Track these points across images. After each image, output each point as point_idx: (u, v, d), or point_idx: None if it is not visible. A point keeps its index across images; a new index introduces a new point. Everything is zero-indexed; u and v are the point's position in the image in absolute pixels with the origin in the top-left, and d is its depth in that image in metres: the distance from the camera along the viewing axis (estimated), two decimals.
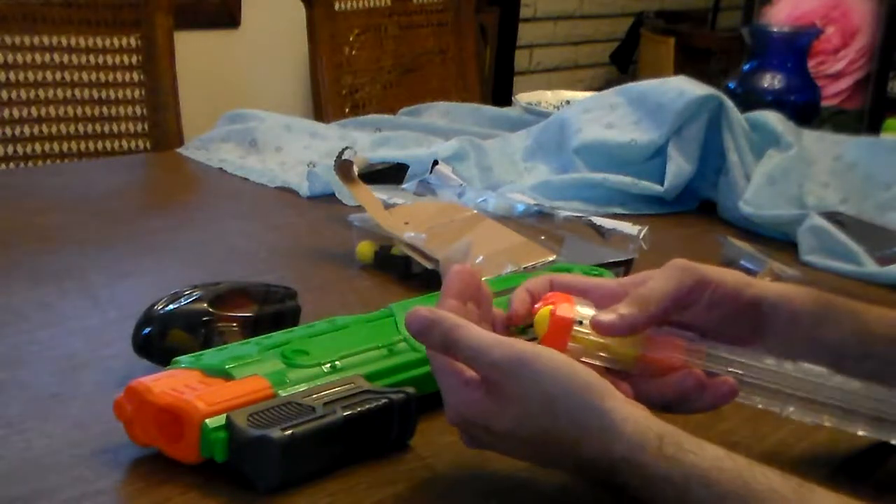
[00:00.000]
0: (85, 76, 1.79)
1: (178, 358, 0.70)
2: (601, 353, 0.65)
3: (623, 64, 4.12)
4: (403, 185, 1.26)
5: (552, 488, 0.66)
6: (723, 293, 0.68)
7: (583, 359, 0.64)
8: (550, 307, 0.66)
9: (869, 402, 0.63)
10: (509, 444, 0.62)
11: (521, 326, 0.68)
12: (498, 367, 0.60)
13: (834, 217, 1.18)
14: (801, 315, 0.68)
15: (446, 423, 0.68)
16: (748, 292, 0.69)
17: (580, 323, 0.65)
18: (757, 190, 1.24)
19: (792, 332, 0.68)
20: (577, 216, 1.21)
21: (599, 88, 1.81)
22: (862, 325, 0.69)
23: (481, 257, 0.97)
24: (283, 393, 0.66)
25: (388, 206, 1.09)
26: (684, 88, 1.31)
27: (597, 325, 0.65)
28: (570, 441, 0.59)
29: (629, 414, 0.58)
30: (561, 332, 0.65)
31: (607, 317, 0.65)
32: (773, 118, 1.32)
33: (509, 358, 0.60)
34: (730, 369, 0.65)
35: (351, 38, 2.16)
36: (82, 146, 1.80)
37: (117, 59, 1.80)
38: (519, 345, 0.60)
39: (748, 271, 1.06)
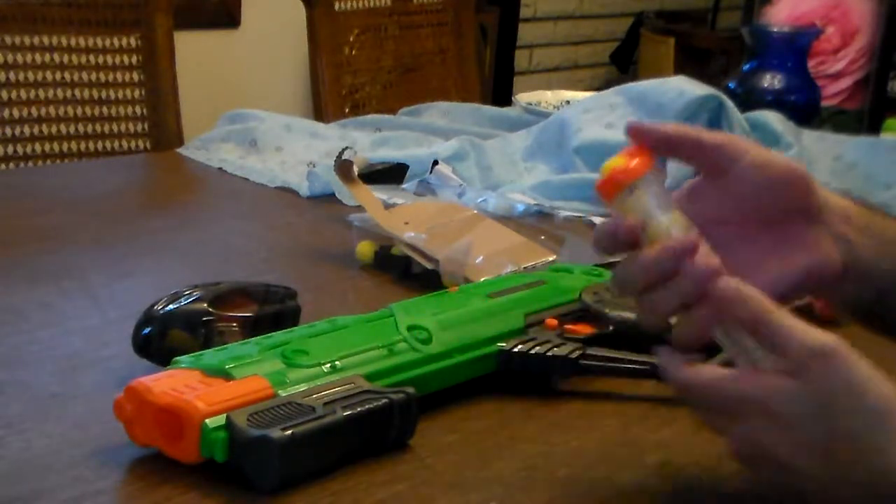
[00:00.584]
0: (85, 76, 1.79)
1: (178, 358, 0.70)
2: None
3: (623, 64, 4.12)
4: (403, 185, 1.26)
5: (552, 488, 0.66)
6: (766, 159, 0.66)
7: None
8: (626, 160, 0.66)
9: None
10: (794, 442, 0.56)
11: None
12: (818, 351, 0.56)
13: None
14: (852, 212, 0.68)
15: (446, 424, 0.68)
16: (797, 169, 0.66)
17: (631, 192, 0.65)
18: None
19: (842, 224, 0.67)
20: (577, 216, 1.21)
21: (599, 88, 1.81)
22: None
23: (481, 257, 0.97)
24: (283, 393, 0.66)
25: (388, 206, 1.09)
26: (684, 88, 1.31)
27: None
28: (864, 443, 0.55)
29: None
30: (612, 185, 0.66)
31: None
32: (773, 118, 1.32)
33: (833, 343, 0.56)
34: None
35: (351, 38, 2.16)
36: (82, 146, 1.80)
37: (117, 59, 1.80)
38: (834, 336, 0.57)
39: None
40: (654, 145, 0.65)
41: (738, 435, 0.58)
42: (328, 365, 0.70)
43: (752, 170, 0.65)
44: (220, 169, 1.38)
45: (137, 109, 1.82)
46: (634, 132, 0.65)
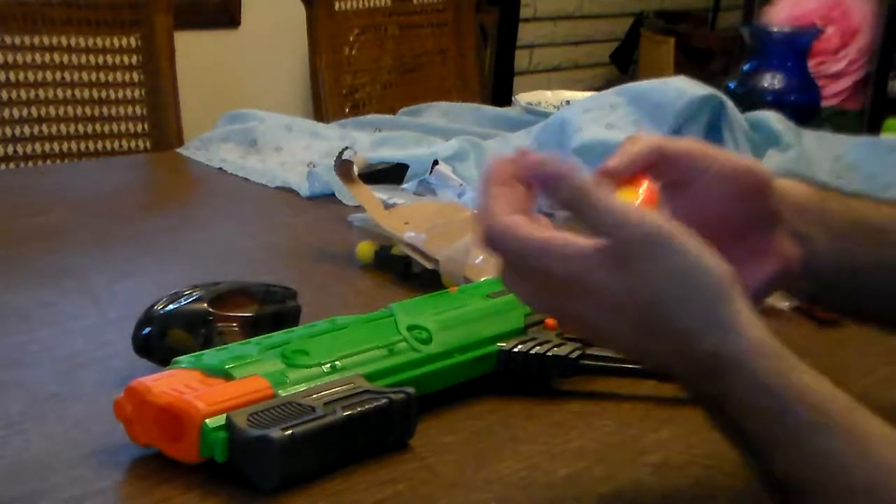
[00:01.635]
0: (85, 76, 1.79)
1: (178, 358, 0.70)
2: None
3: (623, 64, 4.12)
4: (403, 185, 1.26)
5: (552, 488, 0.66)
6: (732, 167, 0.65)
7: None
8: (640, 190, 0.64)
9: None
10: (614, 317, 0.57)
11: None
12: (638, 231, 0.56)
13: None
14: (807, 203, 0.68)
15: (446, 424, 0.68)
16: (758, 172, 0.66)
17: None
18: None
19: (798, 219, 0.67)
20: None
21: (599, 88, 1.81)
22: (858, 215, 0.69)
23: (481, 257, 0.97)
24: (283, 393, 0.66)
25: (388, 206, 1.09)
26: (684, 88, 1.31)
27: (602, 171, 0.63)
28: (688, 326, 0.55)
29: (755, 320, 0.56)
30: None
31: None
32: (773, 118, 1.32)
33: (656, 226, 0.56)
34: None
35: (351, 38, 2.16)
36: (82, 146, 1.80)
37: (117, 59, 1.80)
38: (660, 217, 0.57)
39: None
40: (632, 176, 0.65)
41: (555, 300, 0.59)
42: (328, 365, 0.70)
43: (717, 181, 0.65)
44: (220, 169, 1.38)
45: (137, 109, 1.83)
46: (608, 174, 0.64)
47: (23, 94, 1.74)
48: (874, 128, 1.93)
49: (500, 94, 3.19)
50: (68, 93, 1.78)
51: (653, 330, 0.56)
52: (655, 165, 0.65)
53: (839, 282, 0.70)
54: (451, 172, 1.27)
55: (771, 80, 1.65)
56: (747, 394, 0.54)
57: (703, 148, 0.66)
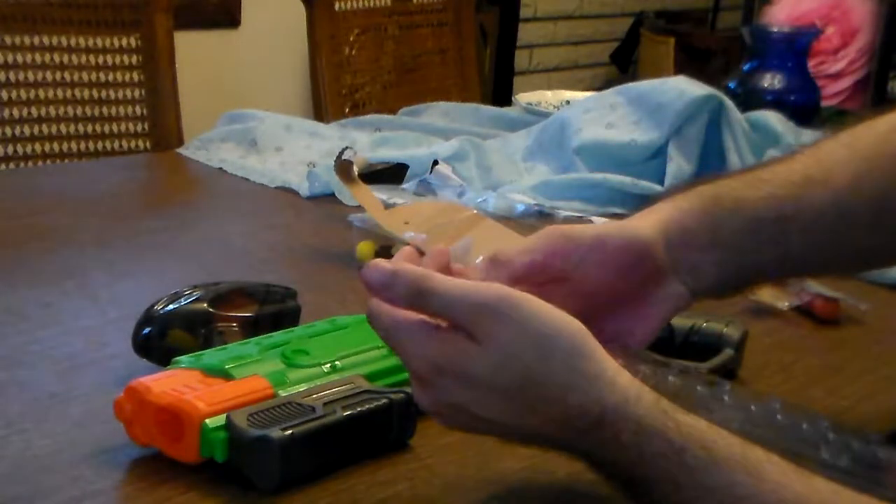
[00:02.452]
0: (85, 76, 1.78)
1: (178, 358, 0.70)
2: None
3: (623, 64, 4.12)
4: (403, 185, 1.26)
5: (552, 488, 0.66)
6: (603, 253, 0.66)
7: None
8: None
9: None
10: (487, 399, 0.57)
11: None
12: (483, 307, 0.56)
13: None
14: (693, 237, 0.68)
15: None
16: (633, 244, 0.66)
17: None
18: None
19: (685, 261, 0.68)
20: (577, 216, 1.21)
21: (599, 88, 1.81)
22: (747, 218, 0.69)
23: (481, 257, 0.97)
24: (283, 393, 0.67)
25: (388, 206, 1.09)
26: (684, 88, 1.31)
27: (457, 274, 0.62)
28: (558, 385, 0.55)
29: (620, 369, 0.56)
30: None
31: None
32: (773, 118, 1.32)
33: (497, 297, 0.56)
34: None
35: (351, 38, 2.15)
36: (82, 146, 1.79)
37: (117, 59, 1.80)
38: (501, 287, 0.57)
39: None
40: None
41: (439, 412, 0.59)
42: (328, 365, 0.70)
43: (592, 269, 0.66)
44: (220, 169, 1.38)
45: (137, 109, 1.82)
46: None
47: (23, 94, 1.73)
48: None
49: (500, 94, 3.19)
50: (68, 93, 1.77)
51: (526, 400, 0.56)
52: (528, 276, 0.65)
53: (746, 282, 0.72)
54: (451, 172, 1.27)
55: (771, 80, 1.65)
56: (634, 442, 0.54)
57: (566, 242, 0.66)
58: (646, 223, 0.68)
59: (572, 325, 0.56)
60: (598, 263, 0.66)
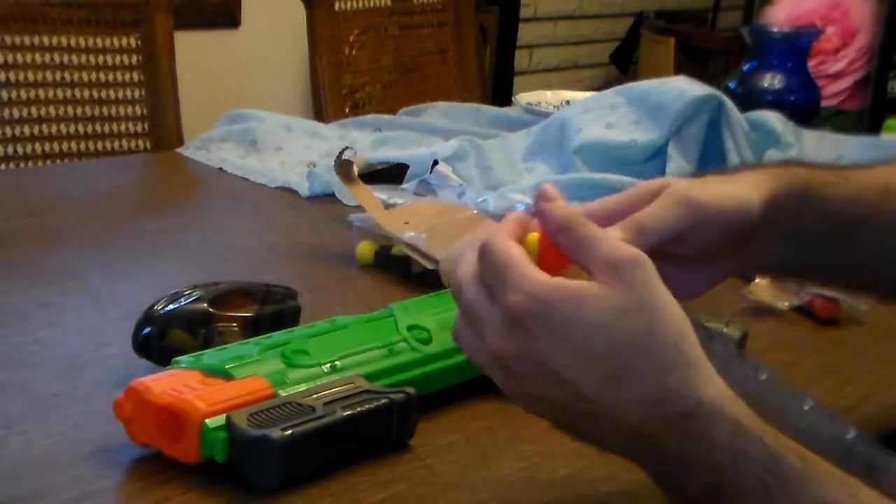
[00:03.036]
0: (85, 76, 1.78)
1: (178, 358, 0.70)
2: None
3: (623, 64, 4.12)
4: (403, 185, 1.26)
5: (552, 488, 0.66)
6: (722, 229, 0.64)
7: None
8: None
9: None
10: (581, 354, 0.53)
11: None
12: (621, 261, 0.54)
13: None
14: (780, 216, 0.67)
15: (446, 424, 0.67)
16: (749, 217, 0.65)
17: None
18: None
19: (768, 237, 0.67)
20: None
21: (599, 88, 1.81)
22: (827, 213, 0.69)
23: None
24: (283, 393, 0.67)
25: (388, 206, 1.09)
26: (684, 88, 1.31)
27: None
28: (661, 362, 0.52)
29: (716, 374, 0.54)
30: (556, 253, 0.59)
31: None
32: (773, 118, 1.32)
33: (634, 258, 0.54)
34: None
35: (351, 38, 2.15)
36: (82, 146, 1.79)
37: (117, 59, 1.80)
38: (640, 252, 0.55)
39: None
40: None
41: (514, 338, 0.55)
42: (328, 365, 0.70)
43: (701, 236, 0.64)
44: (220, 169, 1.38)
45: (137, 109, 1.82)
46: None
47: (23, 94, 1.73)
48: (874, 128, 1.93)
49: (500, 94, 3.19)
50: (68, 93, 1.77)
51: (623, 368, 0.53)
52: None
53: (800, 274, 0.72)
54: (451, 172, 1.27)
55: (771, 80, 1.65)
56: (733, 440, 0.52)
57: (697, 212, 0.63)
58: (756, 196, 0.65)
59: (682, 311, 0.54)
60: (708, 231, 0.64)
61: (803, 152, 1.31)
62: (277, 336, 0.73)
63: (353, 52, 2.16)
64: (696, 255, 0.65)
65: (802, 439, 0.56)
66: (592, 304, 0.53)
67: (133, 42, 1.80)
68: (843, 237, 0.69)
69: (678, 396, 0.52)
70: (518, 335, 0.54)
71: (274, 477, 0.62)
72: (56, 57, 1.76)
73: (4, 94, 1.72)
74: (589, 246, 0.55)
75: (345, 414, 0.65)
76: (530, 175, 1.37)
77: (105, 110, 1.81)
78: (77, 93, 1.78)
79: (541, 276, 0.55)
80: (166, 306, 0.77)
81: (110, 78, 1.80)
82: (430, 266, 0.97)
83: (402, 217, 1.04)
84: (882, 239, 0.70)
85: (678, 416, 0.52)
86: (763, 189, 0.66)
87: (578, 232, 0.56)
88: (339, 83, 2.13)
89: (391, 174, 1.27)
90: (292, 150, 1.43)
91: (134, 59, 1.81)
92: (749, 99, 1.54)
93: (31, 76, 1.74)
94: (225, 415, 0.63)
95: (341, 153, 1.06)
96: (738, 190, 0.65)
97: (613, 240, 0.56)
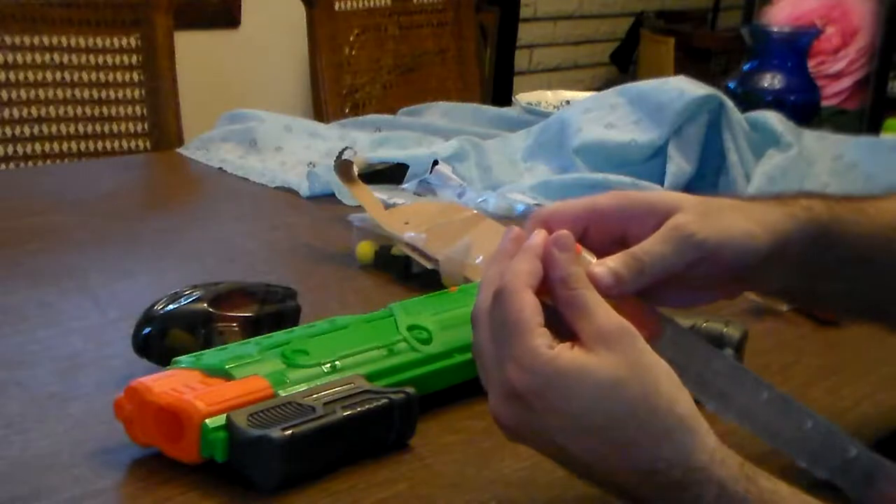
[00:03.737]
0: (85, 76, 1.78)
1: (178, 358, 0.70)
2: None
3: (623, 64, 4.12)
4: (403, 185, 1.26)
5: (552, 488, 0.66)
6: (724, 266, 0.63)
7: None
8: None
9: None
10: (578, 429, 0.54)
11: None
12: (608, 333, 0.55)
13: None
14: (786, 258, 0.65)
15: (446, 423, 0.67)
16: (751, 259, 0.63)
17: None
18: (757, 190, 1.24)
19: (772, 269, 0.66)
20: None
21: (599, 88, 1.81)
22: (843, 252, 0.67)
23: (481, 257, 0.97)
24: (283, 393, 0.67)
25: (388, 206, 1.09)
26: (684, 88, 1.31)
27: (590, 276, 0.59)
28: (656, 429, 0.54)
29: (710, 430, 0.55)
30: None
31: (601, 272, 0.59)
32: (773, 118, 1.32)
33: (620, 328, 0.55)
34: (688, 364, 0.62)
35: (351, 38, 2.16)
36: (82, 146, 1.80)
37: (117, 59, 1.80)
38: (622, 321, 0.56)
39: None
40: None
41: (513, 408, 0.56)
42: (328, 365, 0.70)
43: (702, 269, 0.63)
44: (220, 169, 1.38)
45: (137, 109, 1.82)
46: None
47: (23, 94, 1.73)
48: (874, 128, 1.93)
49: (500, 94, 3.18)
50: (68, 93, 1.78)
51: (619, 439, 0.54)
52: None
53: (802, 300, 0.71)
54: (451, 172, 1.27)
55: (771, 80, 1.65)
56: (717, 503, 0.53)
57: (695, 251, 0.62)
58: (765, 236, 0.64)
59: (676, 380, 0.55)
60: (710, 267, 0.63)
61: (803, 152, 1.31)
62: (277, 336, 0.73)
63: (353, 52, 2.16)
64: (695, 283, 0.64)
65: (805, 457, 0.58)
66: (589, 378, 0.54)
67: (133, 42, 1.80)
68: (856, 274, 0.68)
69: (671, 466, 0.54)
70: (517, 406, 0.56)
71: (274, 477, 0.62)
72: (56, 57, 1.76)
73: (4, 94, 1.72)
74: (583, 311, 0.56)
75: (345, 414, 0.65)
76: (530, 175, 1.37)
77: (105, 110, 1.81)
78: (77, 93, 1.78)
79: (543, 352, 0.55)
80: (166, 306, 0.77)
81: (110, 78, 1.80)
82: (430, 266, 0.97)
83: (402, 217, 1.04)
84: (894, 271, 0.69)
85: (669, 484, 0.54)
86: (776, 230, 0.64)
87: (577, 294, 0.57)
88: (339, 83, 2.13)
89: (391, 174, 1.28)
90: (292, 150, 1.43)
91: (134, 59, 1.81)
92: (749, 99, 1.54)
93: (31, 76, 1.74)
94: (225, 415, 0.63)
95: (341, 153, 1.06)
96: (748, 227, 0.63)
97: (604, 310, 0.56)
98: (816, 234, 0.66)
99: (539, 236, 0.59)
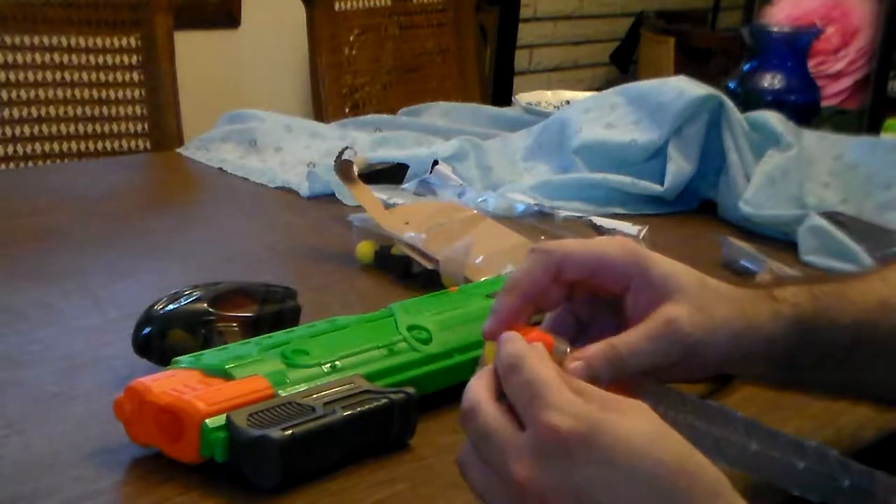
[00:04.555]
0: (85, 76, 1.78)
1: (178, 358, 0.70)
2: None
3: (623, 64, 4.12)
4: (403, 185, 1.26)
5: None
6: (708, 361, 0.62)
7: None
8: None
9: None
10: (622, 477, 0.50)
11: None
12: (611, 396, 0.53)
13: (834, 217, 1.18)
14: (771, 354, 0.64)
15: (446, 423, 0.67)
16: (736, 356, 0.62)
17: None
18: (757, 190, 1.24)
19: (764, 364, 0.65)
20: (577, 216, 1.21)
21: (599, 88, 1.81)
22: (828, 344, 0.66)
23: (481, 257, 0.97)
24: (283, 393, 0.67)
25: (388, 206, 1.09)
26: (684, 88, 1.31)
27: (566, 371, 0.57)
28: (705, 485, 0.51)
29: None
30: None
31: (576, 367, 0.57)
32: (773, 118, 1.32)
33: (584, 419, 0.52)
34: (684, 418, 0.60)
35: (351, 38, 2.15)
36: (82, 146, 1.80)
37: (117, 59, 1.80)
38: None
39: (748, 271, 1.06)
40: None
41: (548, 469, 0.51)
42: (328, 365, 0.70)
43: (693, 360, 0.62)
44: (220, 169, 1.38)
45: (137, 109, 1.82)
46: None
47: (23, 94, 1.73)
48: (874, 128, 1.93)
49: (500, 94, 3.19)
50: (68, 93, 1.78)
51: (676, 498, 0.50)
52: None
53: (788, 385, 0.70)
54: (451, 172, 1.27)
55: (771, 80, 1.65)
56: None
57: (691, 349, 0.61)
58: (749, 337, 0.63)
59: (686, 446, 0.53)
60: (692, 362, 0.61)
61: (803, 152, 1.31)
62: (277, 336, 0.73)
63: (353, 52, 2.16)
64: (673, 371, 0.62)
65: (799, 490, 0.57)
66: (634, 426, 0.51)
67: (133, 42, 1.80)
68: (841, 365, 0.67)
69: None
70: (553, 464, 0.51)
71: (274, 477, 0.62)
72: (56, 57, 1.76)
73: (4, 94, 1.72)
74: (582, 387, 0.54)
75: (345, 414, 0.65)
76: (530, 175, 1.37)
77: (105, 110, 1.81)
78: (77, 93, 1.78)
79: (583, 402, 0.52)
80: (166, 306, 0.77)
81: (110, 78, 1.80)
82: (430, 266, 0.97)
83: (402, 217, 1.04)
84: (879, 353, 0.67)
85: None
86: (762, 330, 0.63)
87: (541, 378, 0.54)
88: (339, 83, 2.13)
89: (391, 174, 1.27)
90: (292, 150, 1.43)
91: (134, 59, 1.81)
92: (749, 99, 1.54)
93: (31, 76, 1.74)
94: (225, 415, 0.63)
95: (341, 153, 1.06)
96: (736, 327, 0.62)
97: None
98: (802, 331, 0.65)
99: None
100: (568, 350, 0.59)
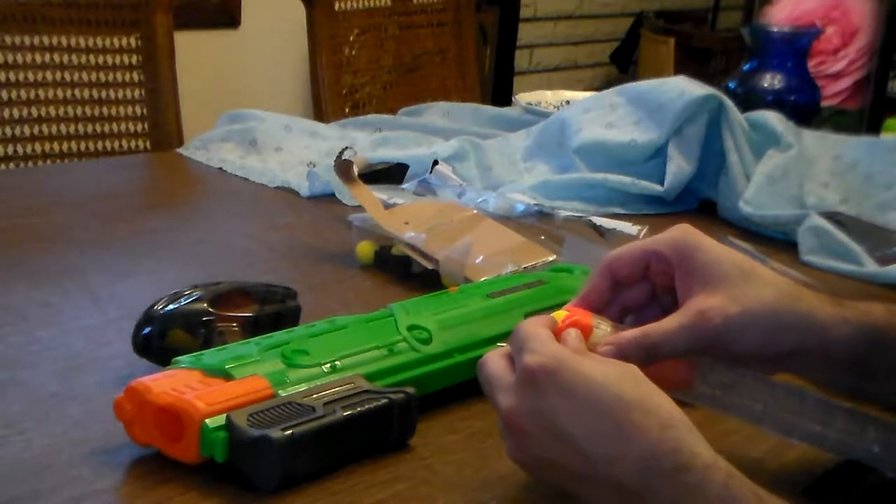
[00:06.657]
0: (85, 76, 1.78)
1: (178, 358, 0.70)
2: None
3: (623, 64, 4.12)
4: (403, 185, 1.26)
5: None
6: (738, 351, 0.64)
7: None
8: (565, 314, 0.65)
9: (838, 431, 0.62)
10: (583, 405, 0.56)
11: None
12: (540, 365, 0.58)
13: (834, 217, 1.18)
14: (839, 356, 0.65)
15: (446, 423, 0.67)
16: (762, 351, 0.64)
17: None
18: (757, 190, 1.24)
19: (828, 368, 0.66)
20: (577, 216, 1.21)
21: (599, 88, 1.81)
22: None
23: (481, 257, 0.97)
24: (283, 393, 0.67)
25: (388, 206, 1.09)
26: (684, 88, 1.31)
27: (599, 354, 0.62)
28: (661, 418, 0.55)
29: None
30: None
31: (607, 351, 0.63)
32: (773, 118, 1.32)
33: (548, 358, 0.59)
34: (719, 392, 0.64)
35: (351, 38, 2.16)
36: (82, 146, 1.80)
37: (117, 59, 1.80)
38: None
39: None
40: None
41: (520, 397, 0.59)
42: (328, 365, 0.70)
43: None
44: (220, 169, 1.38)
45: (137, 109, 1.82)
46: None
47: (23, 94, 1.73)
48: (874, 128, 1.93)
49: (500, 94, 3.19)
50: (68, 93, 1.78)
51: (623, 420, 0.55)
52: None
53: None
54: (451, 172, 1.27)
55: (771, 80, 1.65)
56: (726, 492, 0.53)
57: (719, 337, 0.64)
58: (793, 327, 0.65)
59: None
60: (722, 351, 0.65)
61: (803, 152, 1.31)
62: (277, 336, 0.73)
63: (353, 52, 2.16)
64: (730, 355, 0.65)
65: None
66: (600, 367, 0.58)
67: (133, 42, 1.81)
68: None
69: (675, 450, 0.55)
70: (527, 394, 0.58)
71: (274, 477, 0.63)
72: (56, 57, 1.76)
73: (4, 94, 1.72)
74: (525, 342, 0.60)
75: (345, 414, 0.65)
76: (530, 175, 1.37)
77: (105, 110, 1.81)
78: (77, 93, 1.78)
79: (557, 344, 0.60)
80: (166, 306, 0.77)
81: (110, 78, 1.80)
82: (430, 266, 0.97)
83: (402, 217, 1.04)
84: None
85: (673, 470, 0.54)
86: (816, 327, 0.65)
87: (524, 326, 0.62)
88: (339, 83, 2.13)
89: (391, 174, 1.28)
90: (292, 150, 1.43)
91: (134, 59, 1.81)
92: (749, 99, 1.54)
93: (31, 76, 1.74)
94: (225, 415, 0.63)
95: (341, 153, 1.06)
96: (781, 319, 0.64)
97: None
98: (874, 340, 0.65)
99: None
100: (608, 330, 0.65)
